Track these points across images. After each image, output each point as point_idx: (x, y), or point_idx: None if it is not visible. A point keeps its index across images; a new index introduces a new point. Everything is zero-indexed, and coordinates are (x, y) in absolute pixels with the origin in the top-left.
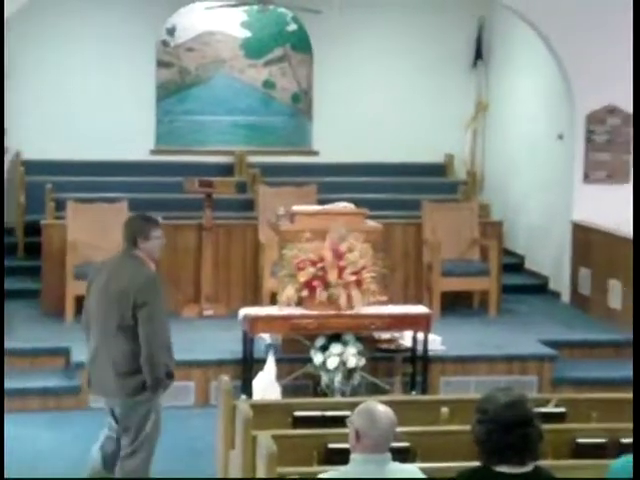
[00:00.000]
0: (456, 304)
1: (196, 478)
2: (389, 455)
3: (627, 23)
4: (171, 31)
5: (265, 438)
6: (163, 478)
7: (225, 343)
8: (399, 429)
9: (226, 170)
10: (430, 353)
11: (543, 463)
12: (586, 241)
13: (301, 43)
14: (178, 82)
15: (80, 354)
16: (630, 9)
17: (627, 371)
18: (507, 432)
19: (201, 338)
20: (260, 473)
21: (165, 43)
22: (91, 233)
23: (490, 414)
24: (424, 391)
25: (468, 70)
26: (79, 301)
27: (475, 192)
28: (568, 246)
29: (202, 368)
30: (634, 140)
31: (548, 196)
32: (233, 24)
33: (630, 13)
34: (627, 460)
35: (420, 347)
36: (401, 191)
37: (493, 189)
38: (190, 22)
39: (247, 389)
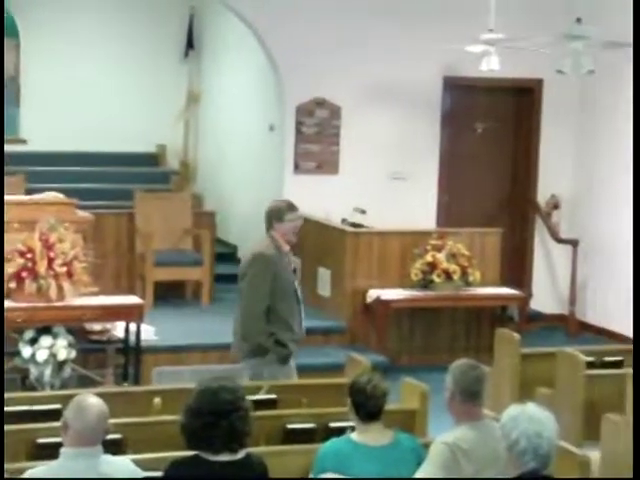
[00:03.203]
0: (169, 294)
1: None
2: (100, 448)
3: (334, 16)
4: None
5: None
6: None
7: None
8: (111, 421)
9: None
10: (143, 344)
11: (254, 450)
12: None
13: (8, 28)
14: None
15: None
16: (335, 4)
17: (335, 357)
18: (195, 420)
19: None
20: None
21: None
22: None
23: (188, 403)
24: (137, 382)
25: (180, 60)
26: None
27: (188, 182)
28: None
29: None
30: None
31: (260, 186)
32: None
33: (335, 6)
34: (333, 442)
35: (133, 338)
36: (113, 181)
37: (206, 179)
38: None
39: None
